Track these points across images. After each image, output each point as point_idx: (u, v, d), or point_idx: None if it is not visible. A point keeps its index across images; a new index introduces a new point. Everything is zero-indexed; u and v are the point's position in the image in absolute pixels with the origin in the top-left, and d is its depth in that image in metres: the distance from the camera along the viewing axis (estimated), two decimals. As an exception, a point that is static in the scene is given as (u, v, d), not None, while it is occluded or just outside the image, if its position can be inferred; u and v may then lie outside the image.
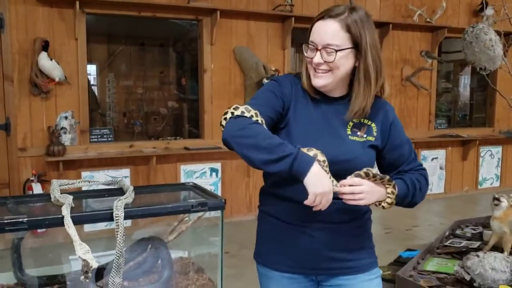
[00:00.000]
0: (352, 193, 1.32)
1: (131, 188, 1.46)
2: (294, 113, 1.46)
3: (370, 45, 1.39)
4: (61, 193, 1.41)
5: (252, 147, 1.26)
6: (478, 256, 2.80)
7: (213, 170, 5.07)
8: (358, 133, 1.46)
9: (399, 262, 3.40)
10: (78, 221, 1.23)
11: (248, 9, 5.02)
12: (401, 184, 1.44)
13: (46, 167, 4.29)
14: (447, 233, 3.89)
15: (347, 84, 1.48)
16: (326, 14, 1.41)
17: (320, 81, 1.43)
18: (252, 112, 1.34)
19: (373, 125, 1.49)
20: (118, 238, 1.27)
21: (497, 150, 6.71)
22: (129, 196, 1.38)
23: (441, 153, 6.31)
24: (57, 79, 4.18)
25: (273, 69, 5.11)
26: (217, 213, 1.47)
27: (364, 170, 1.35)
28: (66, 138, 4.38)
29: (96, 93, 5.96)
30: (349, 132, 1.46)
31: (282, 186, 1.44)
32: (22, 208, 1.41)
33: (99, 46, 5.79)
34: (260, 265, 1.54)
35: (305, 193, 1.25)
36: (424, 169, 1.54)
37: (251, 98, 1.46)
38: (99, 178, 4.49)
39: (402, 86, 6.00)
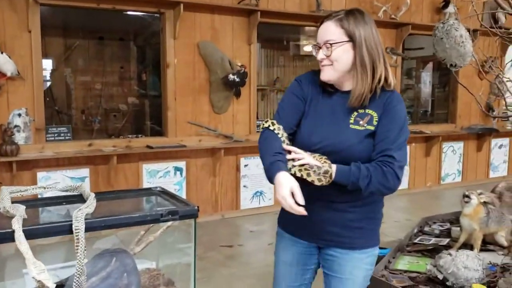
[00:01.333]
0: (295, 153, 1.56)
1: (92, 195, 1.31)
2: (309, 107, 1.68)
3: (365, 38, 1.57)
4: (12, 202, 1.24)
5: (261, 157, 1.60)
6: (450, 254, 2.77)
7: (177, 169, 4.90)
8: (360, 122, 1.60)
9: (370, 261, 3.36)
10: (31, 235, 1.07)
11: (213, 2, 4.86)
12: (342, 168, 1.55)
13: (-3, 168, 4.02)
14: (415, 230, 3.88)
15: (353, 77, 1.62)
16: (325, 18, 1.65)
17: (324, 75, 1.63)
18: (276, 126, 1.64)
19: (374, 114, 1.61)
20: (78, 254, 1.12)
21: (459, 146, 6.82)
22: (90, 205, 1.23)
23: (405, 149, 6.34)
24: (8, 74, 3.91)
25: (239, 64, 4.98)
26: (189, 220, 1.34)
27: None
28: (19, 137, 4.11)
29: (52, 89, 5.67)
30: (351, 121, 1.61)
31: None
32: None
33: (55, 39, 5.50)
34: (279, 225, 1.85)
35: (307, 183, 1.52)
36: (389, 162, 1.54)
37: (280, 101, 1.75)
38: (56, 179, 4.25)
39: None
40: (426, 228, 3.94)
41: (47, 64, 5.55)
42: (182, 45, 4.81)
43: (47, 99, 5.29)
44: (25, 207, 1.19)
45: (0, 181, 3.98)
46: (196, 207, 1.29)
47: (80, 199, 1.40)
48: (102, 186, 4.42)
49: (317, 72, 1.70)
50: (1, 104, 4.02)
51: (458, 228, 3.47)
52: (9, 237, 1.05)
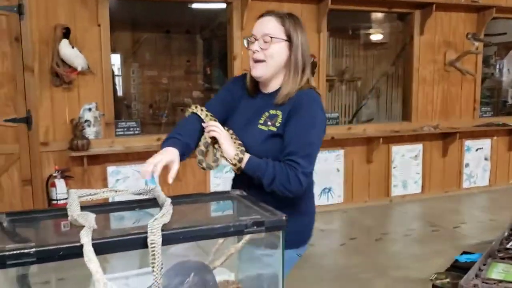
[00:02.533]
0: (213, 125, 1.59)
1: (169, 201, 1.16)
2: (236, 106, 1.72)
3: (301, 42, 1.62)
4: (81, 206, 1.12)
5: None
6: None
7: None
8: (269, 123, 1.61)
9: (457, 267, 3.07)
10: (100, 250, 0.93)
11: (281, -10, 4.66)
12: (254, 158, 1.56)
13: (69, 162, 4.05)
14: (506, 234, 3.52)
15: (281, 79, 1.64)
16: (266, 13, 1.66)
17: (257, 71, 1.61)
18: (199, 108, 1.67)
19: (279, 114, 1.61)
20: (154, 271, 0.97)
21: (548, 140, 6.22)
22: (166, 213, 1.08)
23: (486, 143, 5.88)
24: (79, 68, 3.91)
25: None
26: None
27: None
28: (90, 132, 4.13)
29: (120, 84, 5.70)
30: (261, 122, 1.62)
31: None
32: (29, 231, 1.12)
33: (123, 34, 5.51)
34: None
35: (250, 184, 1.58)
36: (294, 167, 1.52)
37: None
38: (126, 173, 4.24)
39: (445, 72, 5.57)
40: (519, 232, 3.56)
41: (115, 59, 5.58)
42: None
43: (116, 93, 5.34)
44: (94, 215, 1.06)
45: (72, 175, 4.01)
46: (284, 217, 1.11)
47: (154, 203, 1.26)
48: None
49: (243, 77, 1.75)
50: (72, 98, 4.05)
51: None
52: (78, 252, 0.92)
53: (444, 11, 5.42)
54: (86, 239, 0.92)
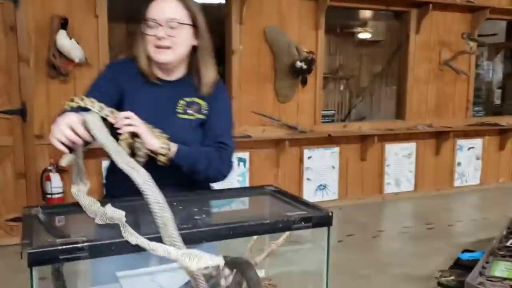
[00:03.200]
0: (128, 118, 1.33)
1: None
2: (126, 98, 1.52)
3: (204, 26, 1.53)
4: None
5: None
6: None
7: (241, 160, 4.73)
8: (189, 111, 1.54)
9: (460, 265, 3.09)
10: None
11: (280, -15, 4.63)
12: (183, 147, 1.45)
13: (64, 156, 3.96)
14: (504, 232, 3.56)
15: (186, 66, 1.56)
16: None
17: (164, 57, 1.48)
18: (88, 100, 1.36)
19: (203, 103, 1.56)
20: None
21: (537, 140, 6.33)
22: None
23: (478, 143, 5.95)
24: (77, 60, 3.82)
25: (306, 51, 4.73)
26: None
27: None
28: (85, 125, 4.04)
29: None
30: (179, 111, 1.53)
31: None
32: (67, 225, 1.07)
33: (118, 25, 5.41)
34: None
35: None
36: (224, 148, 1.53)
37: (90, 86, 1.55)
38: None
39: (439, 71, 5.61)
40: (517, 230, 3.60)
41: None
42: (248, 31, 4.61)
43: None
44: (124, 213, 0.99)
45: (67, 169, 3.92)
46: (330, 213, 1.08)
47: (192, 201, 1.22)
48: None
49: (132, 61, 1.56)
50: (68, 91, 3.94)
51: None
52: (129, 247, 0.87)
53: (440, 11, 5.46)
54: (133, 238, 0.86)
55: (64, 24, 3.77)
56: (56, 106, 3.91)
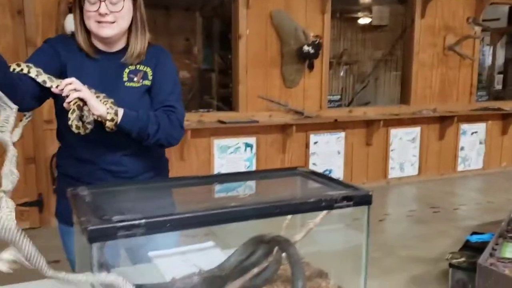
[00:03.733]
0: (70, 83, 1.34)
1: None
2: (71, 70, 1.50)
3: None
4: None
5: None
6: None
7: (247, 145, 4.74)
8: (135, 79, 1.55)
9: (469, 247, 3.13)
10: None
11: (287, -31, 4.60)
12: (129, 111, 1.44)
13: (73, 141, 3.96)
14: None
15: (126, 37, 1.56)
16: None
17: (107, 31, 1.48)
18: (24, 66, 1.37)
19: (148, 69, 1.57)
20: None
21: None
22: None
23: (481, 127, 5.98)
24: (85, 45, 3.80)
25: (313, 35, 4.72)
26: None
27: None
28: (94, 110, 4.03)
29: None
30: (125, 79, 1.54)
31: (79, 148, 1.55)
32: (116, 203, 1.09)
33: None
34: (62, 223, 1.63)
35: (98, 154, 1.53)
36: (172, 111, 1.53)
37: (29, 57, 1.49)
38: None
39: (444, 56, 5.62)
40: (524, 213, 3.64)
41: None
42: (254, 15, 4.59)
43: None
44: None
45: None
46: (370, 192, 1.10)
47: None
48: (175, 161, 4.32)
49: (69, 37, 1.56)
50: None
51: None
52: (184, 223, 0.89)
53: (445, -5, 5.45)
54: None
55: (71, 8, 3.74)
56: (64, 91, 3.90)
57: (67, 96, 1.35)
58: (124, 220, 0.86)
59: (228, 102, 5.25)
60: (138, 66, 1.56)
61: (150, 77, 1.56)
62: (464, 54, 5.54)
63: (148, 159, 1.61)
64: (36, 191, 3.94)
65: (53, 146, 3.89)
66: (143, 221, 0.87)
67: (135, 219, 0.86)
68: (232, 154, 4.65)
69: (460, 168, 5.93)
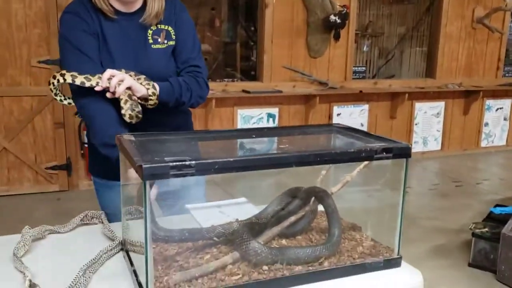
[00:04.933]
0: (112, 77, 1.33)
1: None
2: (99, 39, 1.46)
3: None
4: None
5: None
6: None
7: (270, 115, 4.77)
8: (159, 40, 1.51)
9: (492, 219, 3.13)
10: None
11: None
12: (165, 85, 1.45)
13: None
14: (537, 189, 3.59)
15: None
16: None
17: None
18: (68, 75, 1.36)
19: (169, 28, 1.53)
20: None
21: None
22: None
23: (506, 103, 5.89)
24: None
25: (340, 4, 4.67)
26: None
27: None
28: (121, 76, 4.08)
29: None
30: (150, 41, 1.50)
31: None
32: (165, 148, 1.13)
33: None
34: (97, 177, 1.65)
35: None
36: (198, 71, 1.54)
37: (68, 46, 1.43)
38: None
39: (472, 29, 5.51)
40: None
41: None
42: (281, -16, 4.55)
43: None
44: None
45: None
46: (410, 145, 1.12)
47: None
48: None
49: (84, 1, 1.45)
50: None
51: None
52: (231, 166, 0.92)
53: (475, -34, 5.31)
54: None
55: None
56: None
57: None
58: (176, 161, 0.90)
59: (250, 75, 5.25)
60: (159, 25, 1.52)
61: (173, 36, 1.54)
62: (493, 27, 5.43)
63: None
64: (65, 155, 4.03)
65: (82, 111, 3.96)
66: (193, 162, 0.90)
67: (185, 160, 0.90)
68: (255, 125, 4.68)
69: (483, 144, 5.87)
